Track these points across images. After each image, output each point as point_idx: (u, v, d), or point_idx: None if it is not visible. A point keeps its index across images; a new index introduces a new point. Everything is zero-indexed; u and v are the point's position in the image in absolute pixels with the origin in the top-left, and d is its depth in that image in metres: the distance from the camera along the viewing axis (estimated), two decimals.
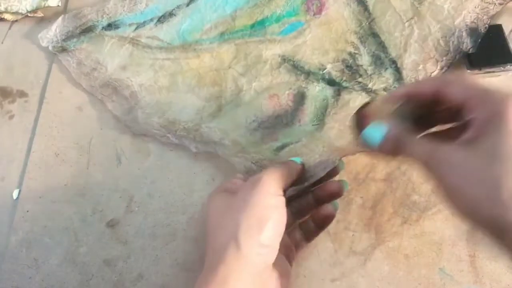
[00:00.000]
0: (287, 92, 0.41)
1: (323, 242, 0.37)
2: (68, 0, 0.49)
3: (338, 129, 0.38)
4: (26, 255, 0.39)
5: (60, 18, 0.45)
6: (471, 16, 0.39)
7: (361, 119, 0.32)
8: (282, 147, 0.39)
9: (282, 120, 0.40)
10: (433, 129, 0.33)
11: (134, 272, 0.38)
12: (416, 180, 0.38)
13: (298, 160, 0.36)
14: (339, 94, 0.40)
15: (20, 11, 0.47)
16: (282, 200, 0.30)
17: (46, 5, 0.47)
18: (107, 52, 0.44)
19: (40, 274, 0.38)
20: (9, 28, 0.48)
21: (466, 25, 0.39)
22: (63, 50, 0.45)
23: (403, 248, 0.37)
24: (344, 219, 0.38)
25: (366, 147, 0.31)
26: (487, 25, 0.39)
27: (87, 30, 0.45)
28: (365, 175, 0.39)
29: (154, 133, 0.41)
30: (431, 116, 0.32)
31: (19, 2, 0.47)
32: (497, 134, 0.25)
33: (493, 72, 0.40)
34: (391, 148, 0.29)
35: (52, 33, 0.45)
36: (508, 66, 0.39)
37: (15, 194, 0.41)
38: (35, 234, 0.40)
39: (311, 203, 0.36)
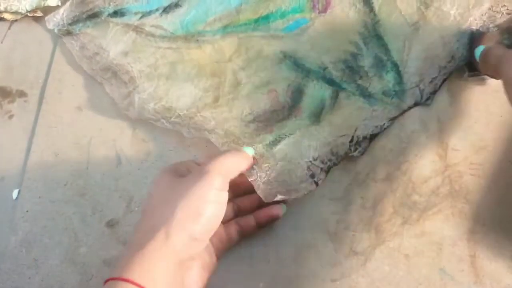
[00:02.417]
0: (285, 88, 0.41)
1: (323, 242, 0.37)
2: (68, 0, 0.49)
3: (332, 127, 0.39)
4: (25, 255, 0.39)
5: (68, 3, 0.46)
6: (477, 24, 0.39)
7: (475, 41, 0.38)
8: (275, 142, 0.39)
9: (278, 115, 0.40)
10: None
11: None
12: (416, 180, 0.38)
13: (250, 151, 0.36)
14: (336, 97, 0.40)
15: (19, 10, 0.47)
16: (224, 196, 0.30)
17: (46, 4, 0.47)
18: (110, 38, 0.44)
19: (40, 274, 0.38)
20: (9, 28, 0.48)
21: (472, 32, 0.39)
22: (68, 33, 0.45)
23: (403, 248, 0.37)
24: (344, 219, 0.38)
25: (477, 66, 0.37)
26: None
27: (93, 15, 0.45)
28: (365, 175, 0.39)
29: (148, 118, 0.41)
30: None
31: (18, 2, 0.47)
32: None
33: None
34: (484, 62, 0.35)
35: (59, 16, 0.46)
36: None
37: (14, 194, 0.41)
38: (35, 234, 0.40)
39: (253, 208, 0.36)
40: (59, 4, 0.47)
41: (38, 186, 0.41)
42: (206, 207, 0.29)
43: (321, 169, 0.37)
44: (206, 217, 0.29)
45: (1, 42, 0.48)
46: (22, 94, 0.45)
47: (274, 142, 0.39)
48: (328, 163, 0.37)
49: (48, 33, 0.47)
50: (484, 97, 0.40)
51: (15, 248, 0.39)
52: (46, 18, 0.46)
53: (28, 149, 0.43)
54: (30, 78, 0.46)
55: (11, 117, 0.45)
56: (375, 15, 0.41)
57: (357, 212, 0.38)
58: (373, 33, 0.41)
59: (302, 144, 0.38)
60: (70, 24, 0.45)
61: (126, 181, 0.41)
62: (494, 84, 0.40)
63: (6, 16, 0.48)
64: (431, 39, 0.40)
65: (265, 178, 0.37)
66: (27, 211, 0.40)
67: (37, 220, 0.40)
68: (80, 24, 0.45)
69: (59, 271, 0.38)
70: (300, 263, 0.37)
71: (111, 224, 0.40)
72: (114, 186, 0.41)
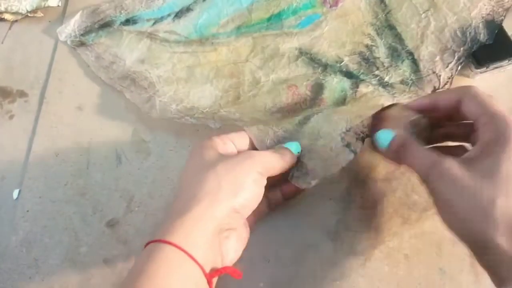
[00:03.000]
0: (305, 83, 0.41)
1: (323, 242, 0.38)
2: (68, 0, 0.49)
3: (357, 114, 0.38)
4: (26, 255, 0.39)
5: (78, 14, 0.46)
6: (486, 8, 0.40)
7: (377, 121, 0.34)
8: (305, 120, 0.38)
9: (301, 106, 0.40)
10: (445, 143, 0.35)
11: None
12: (416, 180, 0.38)
13: (297, 149, 0.36)
14: (357, 87, 0.40)
15: (20, 11, 0.47)
16: (263, 181, 0.32)
17: (46, 5, 0.47)
18: (125, 46, 0.45)
19: (40, 274, 0.38)
20: (9, 28, 0.48)
21: (482, 17, 0.40)
22: (82, 44, 0.45)
23: (403, 248, 0.37)
24: (344, 219, 0.38)
25: (376, 148, 0.34)
26: (503, 17, 0.40)
27: (105, 25, 0.45)
28: (365, 175, 0.39)
29: (171, 117, 0.41)
30: (442, 131, 0.34)
31: (19, 2, 0.47)
32: (499, 156, 0.27)
33: (501, 66, 0.40)
34: (395, 154, 0.31)
35: (70, 28, 0.46)
36: None
37: (15, 194, 0.41)
38: (35, 234, 0.40)
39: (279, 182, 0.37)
40: (59, 4, 0.47)
41: (39, 186, 0.41)
42: (249, 183, 0.31)
43: (356, 138, 0.36)
44: (249, 192, 0.31)
45: (2, 43, 0.48)
46: (22, 94, 0.45)
47: (304, 121, 0.38)
48: (362, 134, 0.36)
49: (48, 33, 0.47)
50: None
51: (16, 248, 0.39)
52: (57, 30, 0.46)
53: (29, 149, 0.43)
54: (31, 78, 0.46)
55: (11, 117, 0.45)
56: (386, 5, 0.42)
57: (357, 212, 0.38)
58: (386, 23, 0.42)
59: (333, 117, 0.37)
60: (82, 35, 0.45)
61: (126, 181, 0.41)
62: (495, 84, 0.40)
63: (7, 16, 0.48)
64: (443, 26, 0.40)
65: (298, 164, 0.36)
66: (27, 210, 0.40)
67: (37, 220, 0.40)
68: (93, 34, 0.45)
69: (59, 270, 0.38)
70: (300, 263, 0.37)
71: (111, 224, 0.40)
72: (115, 185, 0.41)
